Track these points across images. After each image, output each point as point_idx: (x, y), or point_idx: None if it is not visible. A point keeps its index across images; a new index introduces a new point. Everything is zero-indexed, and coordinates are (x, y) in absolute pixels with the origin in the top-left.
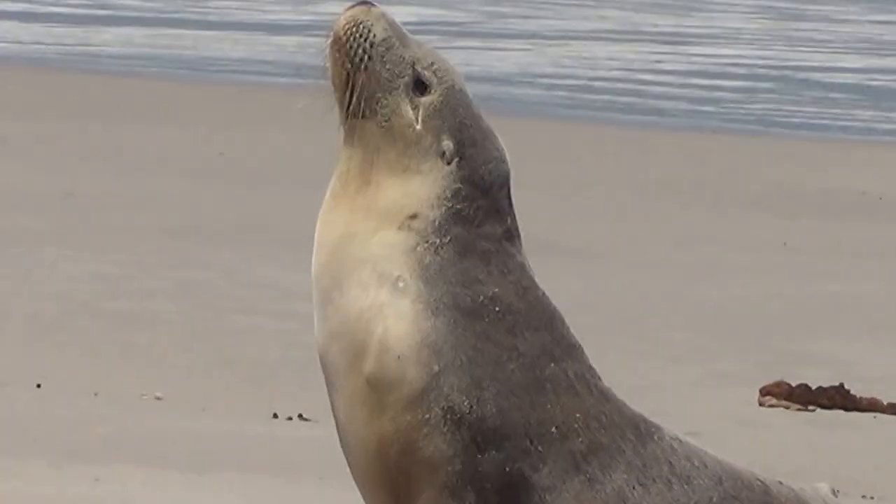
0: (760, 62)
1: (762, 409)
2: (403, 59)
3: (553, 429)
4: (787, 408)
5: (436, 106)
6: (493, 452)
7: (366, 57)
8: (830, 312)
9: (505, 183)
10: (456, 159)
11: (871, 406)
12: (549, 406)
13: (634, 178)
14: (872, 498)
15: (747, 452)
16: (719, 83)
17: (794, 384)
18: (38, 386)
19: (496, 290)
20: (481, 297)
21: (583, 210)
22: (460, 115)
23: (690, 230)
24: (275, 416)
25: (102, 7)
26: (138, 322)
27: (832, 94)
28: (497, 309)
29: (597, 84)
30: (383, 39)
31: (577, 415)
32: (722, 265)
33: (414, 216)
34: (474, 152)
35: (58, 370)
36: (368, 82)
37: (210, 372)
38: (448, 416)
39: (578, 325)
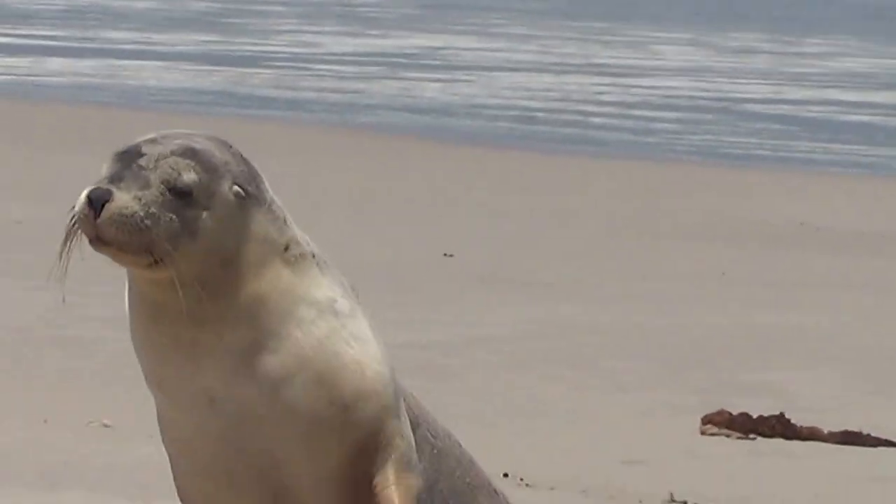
0: (701, 94)
1: (704, 437)
2: (160, 194)
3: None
4: (728, 436)
5: (206, 188)
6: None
7: (145, 228)
8: (771, 342)
9: None
10: (242, 192)
11: (812, 435)
12: None
13: (575, 208)
14: None
15: (689, 480)
16: (660, 115)
17: (735, 413)
18: None
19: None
20: (350, 286)
21: (525, 240)
22: (219, 165)
23: (631, 261)
24: None
25: None
26: (85, 349)
27: (772, 126)
28: (353, 289)
29: (539, 115)
30: (141, 205)
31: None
32: (662, 295)
33: (286, 247)
34: (245, 173)
35: (6, 397)
36: (161, 237)
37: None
38: (399, 400)
39: (527, 355)
